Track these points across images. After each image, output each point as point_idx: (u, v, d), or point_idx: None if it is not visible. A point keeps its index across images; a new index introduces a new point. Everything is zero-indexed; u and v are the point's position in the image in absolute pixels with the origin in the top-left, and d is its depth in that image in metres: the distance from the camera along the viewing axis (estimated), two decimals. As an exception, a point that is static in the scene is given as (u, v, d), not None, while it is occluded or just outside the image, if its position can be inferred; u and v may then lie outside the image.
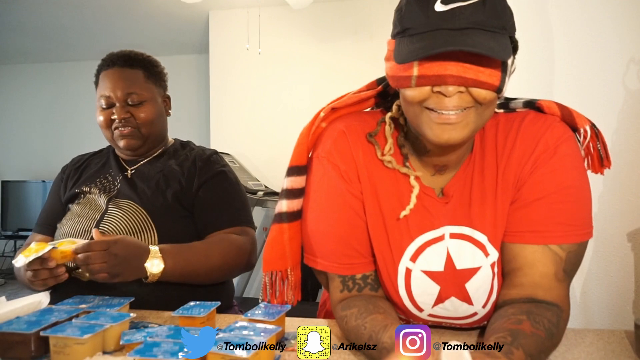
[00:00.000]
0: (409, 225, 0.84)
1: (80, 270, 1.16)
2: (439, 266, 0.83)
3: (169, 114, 1.40)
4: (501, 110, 0.88)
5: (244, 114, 4.20)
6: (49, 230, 1.34)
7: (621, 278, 1.20)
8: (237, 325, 0.75)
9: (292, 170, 0.91)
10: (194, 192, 1.28)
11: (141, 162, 1.35)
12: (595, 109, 1.28)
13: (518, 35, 0.77)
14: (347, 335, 0.84)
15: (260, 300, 0.94)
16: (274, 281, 0.93)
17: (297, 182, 0.90)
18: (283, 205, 0.91)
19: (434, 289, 0.83)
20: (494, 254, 0.82)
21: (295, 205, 0.91)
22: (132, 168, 1.35)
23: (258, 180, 3.79)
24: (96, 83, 1.36)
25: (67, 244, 1.03)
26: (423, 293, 0.84)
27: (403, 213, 0.83)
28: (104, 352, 0.79)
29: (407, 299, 0.85)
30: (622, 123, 1.23)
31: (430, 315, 0.87)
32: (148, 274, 1.07)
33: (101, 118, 1.30)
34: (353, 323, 0.80)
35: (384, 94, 0.93)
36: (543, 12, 1.51)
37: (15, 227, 4.95)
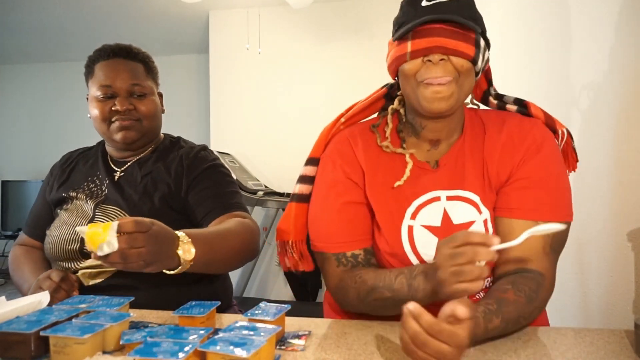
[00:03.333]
0: (408, 193, 1.00)
1: (84, 271, 1.15)
2: (436, 222, 0.96)
3: (163, 111, 1.37)
4: (495, 101, 1.06)
5: (244, 114, 4.21)
6: (35, 234, 1.33)
7: (621, 278, 1.20)
8: (237, 325, 0.75)
9: (310, 161, 1.09)
10: (185, 193, 1.24)
11: (129, 164, 1.31)
12: (595, 109, 1.28)
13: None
14: (367, 292, 0.92)
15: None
16: (284, 248, 1.11)
17: (311, 170, 1.09)
18: (296, 188, 1.10)
19: (435, 241, 0.94)
20: (486, 212, 0.96)
21: (305, 190, 1.09)
22: (121, 170, 1.30)
23: (258, 180, 3.79)
24: (88, 74, 1.30)
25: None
26: (426, 245, 0.96)
27: (397, 183, 1.00)
28: (104, 352, 0.79)
29: (411, 254, 0.96)
30: (621, 122, 1.23)
31: None
32: (182, 261, 0.92)
33: (97, 111, 1.25)
34: (370, 275, 0.92)
35: (389, 97, 1.10)
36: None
37: (15, 227, 4.95)
